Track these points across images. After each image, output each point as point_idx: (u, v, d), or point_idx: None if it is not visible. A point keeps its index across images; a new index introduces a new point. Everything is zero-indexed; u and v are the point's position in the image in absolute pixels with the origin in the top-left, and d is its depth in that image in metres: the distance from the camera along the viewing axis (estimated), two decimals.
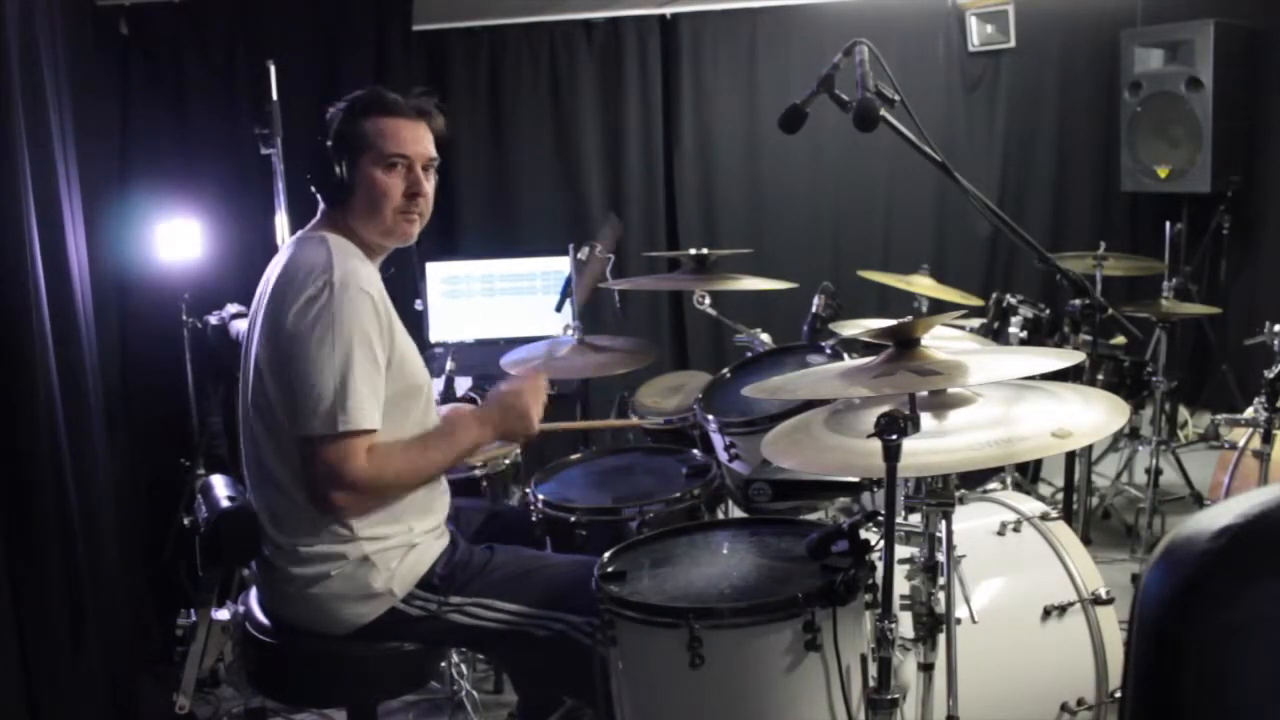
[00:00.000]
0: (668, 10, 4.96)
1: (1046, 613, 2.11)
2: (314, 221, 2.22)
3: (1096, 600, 2.14)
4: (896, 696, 1.72)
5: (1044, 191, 5.37)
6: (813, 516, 2.67)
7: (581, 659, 2.08)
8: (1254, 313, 4.40)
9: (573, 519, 2.42)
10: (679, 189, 5.14)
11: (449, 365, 3.48)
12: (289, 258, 2.13)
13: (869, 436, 1.62)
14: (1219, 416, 3.56)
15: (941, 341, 2.28)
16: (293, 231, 3.46)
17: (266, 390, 2.08)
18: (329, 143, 2.13)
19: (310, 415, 1.98)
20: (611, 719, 1.96)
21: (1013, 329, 3.72)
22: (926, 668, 1.84)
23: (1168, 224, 4.03)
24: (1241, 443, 3.40)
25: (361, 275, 2.07)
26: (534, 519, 2.47)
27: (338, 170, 2.12)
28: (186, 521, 3.39)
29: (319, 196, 2.20)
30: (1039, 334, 3.73)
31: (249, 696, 2.91)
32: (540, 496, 2.49)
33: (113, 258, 3.57)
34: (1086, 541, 2.51)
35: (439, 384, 3.09)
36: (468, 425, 2.20)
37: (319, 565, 2.09)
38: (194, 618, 2.72)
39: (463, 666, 2.99)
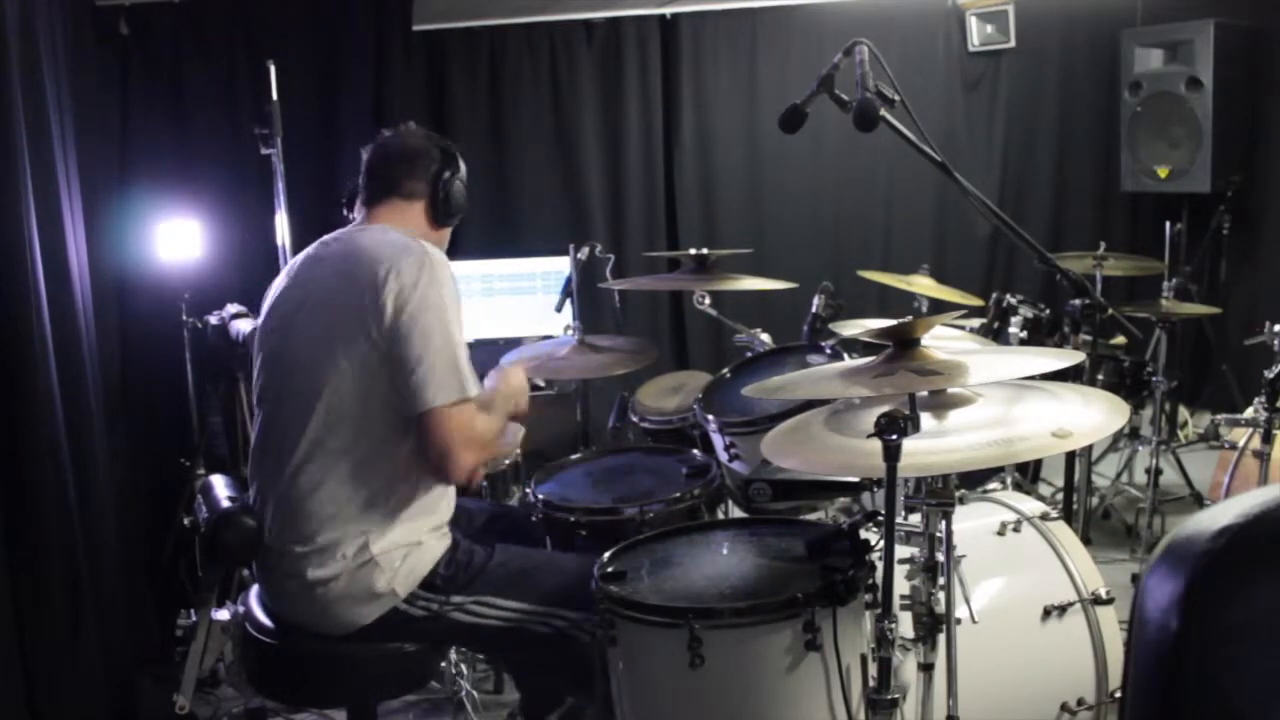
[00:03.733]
0: (668, 10, 4.96)
1: (1046, 613, 2.11)
2: (363, 217, 2.29)
3: (1096, 600, 2.14)
4: (896, 696, 1.73)
5: (1044, 191, 5.37)
6: (813, 516, 2.67)
7: (581, 656, 2.08)
8: (1254, 313, 4.40)
9: (573, 519, 2.42)
10: (679, 189, 5.14)
11: None
12: (360, 246, 2.16)
13: (869, 436, 1.63)
14: (1219, 416, 3.56)
15: (941, 341, 2.28)
16: (293, 231, 3.47)
17: (345, 378, 2.07)
18: (459, 173, 2.32)
19: (439, 388, 2.05)
20: (611, 718, 1.96)
21: (1013, 329, 3.72)
22: (926, 668, 1.84)
23: (1168, 224, 4.03)
24: (1241, 443, 3.40)
25: (441, 253, 2.19)
26: (534, 519, 2.47)
27: (463, 199, 2.34)
28: (186, 521, 3.38)
29: (387, 205, 2.28)
30: (1039, 334, 3.73)
31: (249, 696, 2.91)
32: (540, 496, 2.49)
33: (113, 258, 3.57)
34: (1086, 541, 2.51)
35: None
36: (496, 405, 2.33)
37: (323, 567, 2.09)
38: (194, 618, 2.73)
39: (463, 666, 2.99)
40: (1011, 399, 1.87)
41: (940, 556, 1.84)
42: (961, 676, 1.84)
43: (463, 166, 2.34)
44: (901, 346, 1.88)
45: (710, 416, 2.56)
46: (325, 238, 2.26)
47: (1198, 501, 4.08)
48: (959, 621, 1.87)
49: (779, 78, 5.05)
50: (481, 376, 3.65)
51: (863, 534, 1.90)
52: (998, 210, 2.33)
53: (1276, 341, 3.32)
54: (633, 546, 2.07)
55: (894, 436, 1.59)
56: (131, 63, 4.37)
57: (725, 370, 2.85)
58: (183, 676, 2.29)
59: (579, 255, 3.20)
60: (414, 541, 2.14)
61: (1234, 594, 0.94)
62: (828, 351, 2.69)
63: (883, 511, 1.65)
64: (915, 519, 1.88)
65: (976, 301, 3.91)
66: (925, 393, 1.85)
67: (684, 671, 1.76)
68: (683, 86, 5.07)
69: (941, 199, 5.20)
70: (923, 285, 3.86)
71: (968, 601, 2.00)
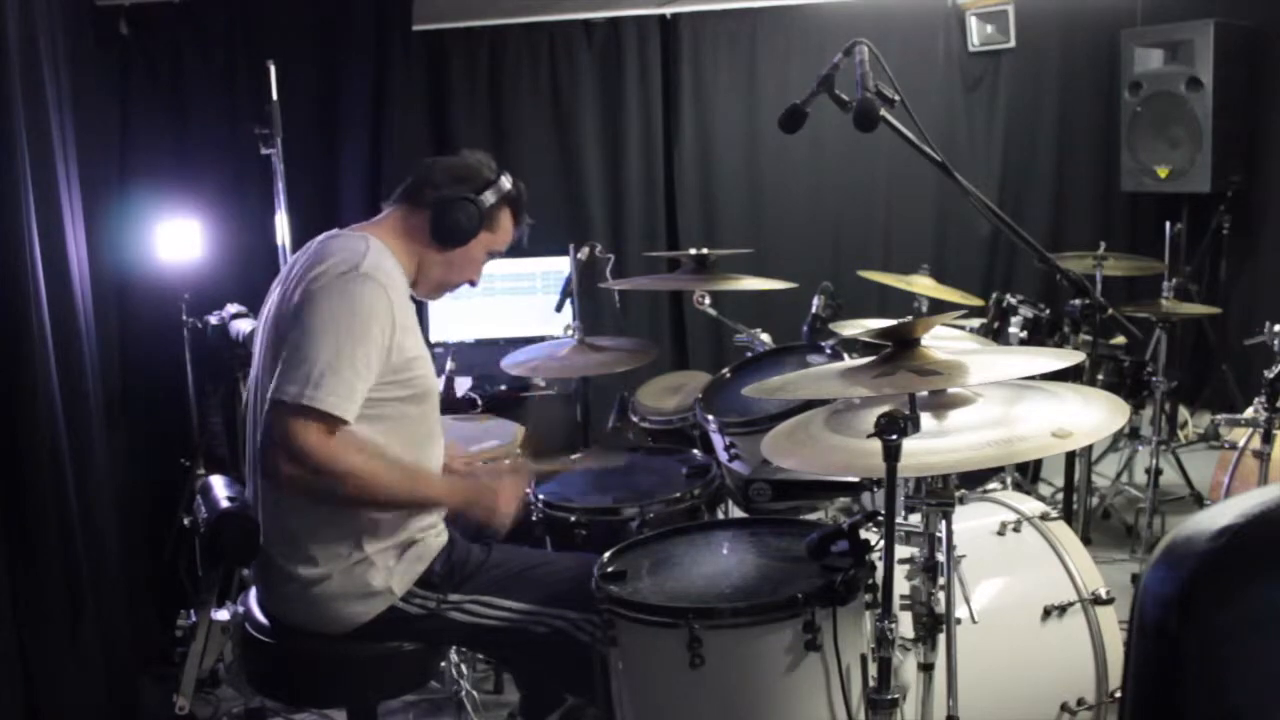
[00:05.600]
0: (668, 10, 4.96)
1: (1046, 613, 2.11)
2: (364, 224, 2.25)
3: (1096, 600, 2.14)
4: (896, 696, 1.73)
5: (1044, 191, 5.38)
6: (813, 516, 2.67)
7: (581, 656, 2.08)
8: (1254, 313, 4.40)
9: (573, 519, 2.42)
10: (679, 189, 5.14)
11: (449, 365, 3.49)
12: (323, 244, 2.15)
13: (869, 436, 1.62)
14: (1219, 416, 3.56)
15: (941, 341, 2.28)
16: (293, 231, 3.47)
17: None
18: (478, 198, 2.22)
19: (288, 381, 1.95)
20: (611, 718, 1.96)
21: (1013, 329, 3.72)
22: (926, 668, 1.84)
23: (1168, 224, 4.03)
24: (1241, 443, 3.39)
25: (389, 273, 2.11)
26: (534, 519, 2.47)
27: (468, 224, 2.22)
28: (186, 521, 3.38)
29: (400, 208, 2.24)
30: (1039, 334, 3.73)
31: (249, 696, 2.91)
32: (540, 496, 2.49)
33: (113, 258, 3.57)
34: (1086, 541, 2.51)
35: (439, 384, 3.09)
36: (437, 480, 2.20)
37: (318, 565, 2.09)
38: (194, 618, 2.72)
39: (463, 666, 2.99)
40: (1011, 399, 1.87)
41: (940, 556, 1.84)
42: (961, 676, 1.84)
43: (490, 200, 2.23)
44: (901, 346, 1.88)
45: (710, 416, 2.56)
46: (311, 243, 2.23)
47: (1198, 501, 4.08)
48: (959, 621, 1.87)
49: (779, 78, 5.06)
50: (479, 377, 3.64)
51: (863, 534, 1.90)
52: (998, 210, 2.33)
53: (1276, 341, 3.32)
54: (633, 546, 2.07)
55: (894, 436, 1.59)
56: (131, 63, 4.36)
57: (725, 370, 2.85)
58: (183, 676, 2.30)
59: (579, 255, 3.20)
60: (409, 539, 2.14)
61: (1234, 594, 0.94)
62: (828, 351, 2.69)
63: (883, 511, 1.65)
64: (915, 519, 1.88)
65: (976, 301, 3.92)
66: (925, 393, 1.85)
67: (684, 671, 1.76)
68: (683, 86, 5.07)
69: (941, 199, 5.20)
70: (923, 285, 3.86)
71: (968, 601, 2.00)
